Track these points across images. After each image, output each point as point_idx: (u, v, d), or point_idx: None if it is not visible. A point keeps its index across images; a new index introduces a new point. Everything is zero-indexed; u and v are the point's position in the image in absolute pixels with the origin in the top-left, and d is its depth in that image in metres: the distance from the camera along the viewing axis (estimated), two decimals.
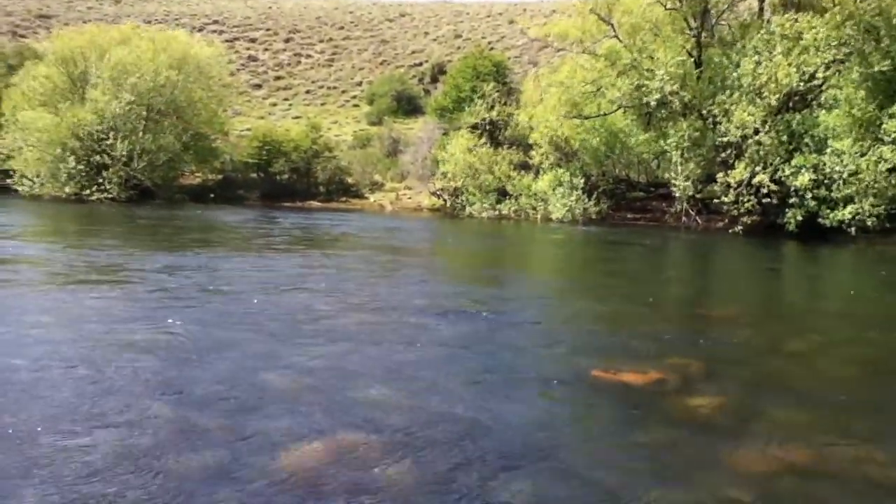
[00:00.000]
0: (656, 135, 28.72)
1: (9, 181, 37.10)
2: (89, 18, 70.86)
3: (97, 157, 35.77)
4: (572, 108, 29.89)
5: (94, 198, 34.85)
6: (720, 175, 25.27)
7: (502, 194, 32.90)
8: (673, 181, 27.37)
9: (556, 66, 36.64)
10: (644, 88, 26.63)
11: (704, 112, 26.44)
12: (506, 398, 5.87)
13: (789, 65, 23.77)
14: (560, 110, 30.10)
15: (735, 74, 25.49)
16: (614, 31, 28.04)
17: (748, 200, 24.21)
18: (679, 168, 27.01)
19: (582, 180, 30.30)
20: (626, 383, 6.39)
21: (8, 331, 7.49)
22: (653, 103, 26.77)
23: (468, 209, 33.08)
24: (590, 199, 29.94)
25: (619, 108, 29.02)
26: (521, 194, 32.22)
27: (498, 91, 36.91)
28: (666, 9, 27.27)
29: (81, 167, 35.58)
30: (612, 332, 8.58)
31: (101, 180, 35.55)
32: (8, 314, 8.32)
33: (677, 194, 27.47)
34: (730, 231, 25.09)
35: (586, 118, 30.15)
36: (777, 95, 24.15)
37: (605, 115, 29.78)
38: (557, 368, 6.94)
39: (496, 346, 7.67)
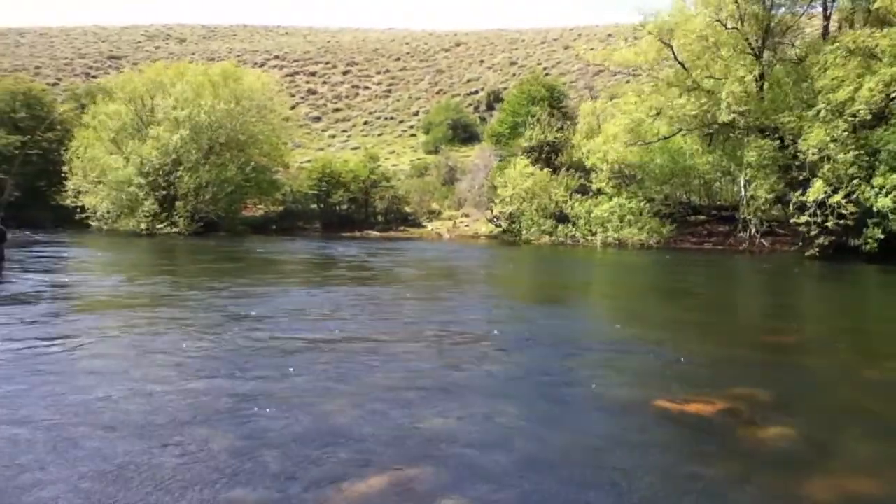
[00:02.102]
0: (720, 155, 28.17)
1: (84, 216, 38.55)
2: (156, 58, 73.52)
3: (164, 192, 36.91)
4: (633, 133, 29.58)
5: (163, 231, 35.91)
6: (797, 195, 24.42)
7: (560, 220, 32.66)
8: (741, 203, 26.70)
9: (612, 91, 36.45)
10: (708, 110, 26.15)
11: (773, 132, 25.76)
12: (566, 428, 5.69)
13: (870, 81, 22.92)
14: (621, 136, 29.83)
15: (807, 93, 24.72)
16: (674, 53, 27.70)
17: (825, 221, 23.31)
18: (744, 190, 26.38)
19: (643, 204, 29.86)
20: (692, 413, 6.13)
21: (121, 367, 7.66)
22: (719, 124, 26.22)
23: (525, 235, 32.91)
24: (651, 224, 29.45)
25: (680, 130, 28.58)
26: (579, 219, 31.92)
27: (554, 116, 36.84)
28: (727, 29, 26.76)
29: (150, 202, 36.75)
30: (677, 360, 8.29)
31: (168, 214, 36.63)
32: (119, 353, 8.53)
33: (744, 216, 26.78)
34: (806, 254, 24.24)
35: (647, 143, 29.77)
36: (856, 112, 23.29)
37: (665, 138, 29.36)
38: (620, 397, 6.71)
39: (557, 375, 7.48)
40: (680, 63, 27.52)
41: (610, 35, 77.08)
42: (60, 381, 6.75)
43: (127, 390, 6.44)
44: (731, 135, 27.41)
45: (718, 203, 31.71)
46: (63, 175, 39.80)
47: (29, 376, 6.82)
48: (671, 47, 27.58)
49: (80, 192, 39.01)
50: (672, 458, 5.23)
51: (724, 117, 25.53)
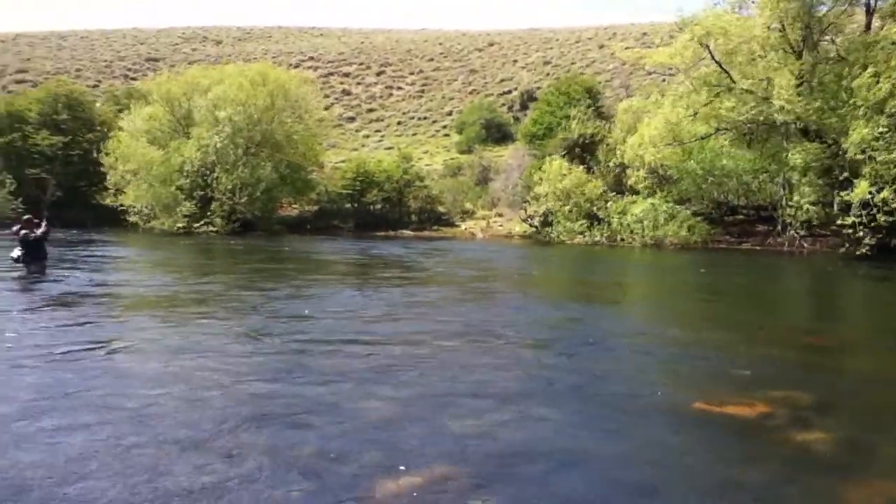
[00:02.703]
0: (760, 156, 27.72)
1: (123, 215, 39.30)
2: (193, 59, 74.72)
3: (202, 192, 37.43)
4: (669, 133, 29.25)
5: (201, 230, 36.43)
6: (843, 195, 23.96)
7: (595, 220, 32.44)
8: (780, 203, 26.25)
9: (648, 90, 36.13)
10: (748, 111, 25.73)
11: (816, 132, 25.28)
12: (604, 430, 5.65)
13: None
14: (657, 136, 29.51)
15: (847, 91, 24.24)
16: (711, 54, 27.29)
17: (872, 221, 22.81)
18: (782, 189, 25.95)
19: (680, 204, 29.54)
20: (732, 416, 6.04)
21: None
22: (759, 123, 25.77)
23: (559, 235, 32.73)
24: (688, 223, 29.12)
25: (718, 131, 28.20)
26: (614, 219, 31.68)
27: (588, 115, 36.58)
28: (768, 29, 26.24)
29: (188, 202, 37.31)
30: (717, 362, 8.18)
31: (207, 214, 37.15)
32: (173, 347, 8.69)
33: (784, 216, 26.34)
34: (856, 253, 23.77)
35: (684, 144, 29.42)
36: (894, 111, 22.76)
37: (702, 138, 28.99)
38: (658, 399, 6.64)
39: (594, 376, 7.42)
40: (718, 63, 27.12)
41: (645, 34, 76.43)
42: (109, 383, 6.87)
43: (174, 390, 6.54)
44: (772, 135, 26.93)
45: (757, 203, 31.21)
46: (103, 175, 40.57)
47: (79, 377, 6.94)
48: (708, 48, 27.18)
49: (119, 192, 39.73)
50: (711, 461, 5.16)
51: (780, 117, 24.99)
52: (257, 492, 4.32)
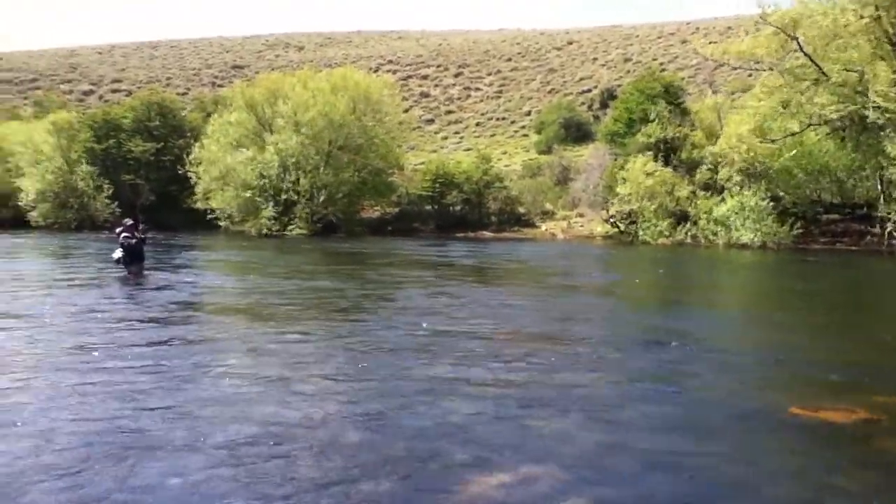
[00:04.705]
0: (852, 152, 26.57)
1: (213, 217, 40.75)
2: (277, 66, 76.72)
3: (285, 195, 38.42)
4: (759, 128, 28.35)
5: (285, 232, 37.42)
6: None
7: (680, 219, 31.70)
8: (879, 201, 25.05)
9: (734, 85, 35.13)
10: (842, 105, 24.69)
11: None
12: (695, 433, 5.53)
13: None
14: (746, 132, 28.65)
15: None
16: (799, 45, 26.31)
17: None
18: (880, 186, 24.79)
19: (769, 203, 28.58)
20: (829, 422, 5.84)
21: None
22: (851, 118, 24.70)
23: (643, 235, 32.13)
24: (779, 223, 28.16)
25: (809, 126, 27.16)
26: (700, 219, 30.87)
27: (671, 112, 35.76)
28: (861, 17, 25.08)
29: (272, 204, 38.37)
30: (812, 366, 7.90)
31: (291, 216, 38.14)
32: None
33: (883, 215, 25.13)
34: None
35: (773, 141, 28.46)
36: None
37: (792, 134, 27.98)
38: (752, 404, 6.45)
39: (685, 379, 7.26)
40: (807, 55, 26.13)
41: (729, 28, 74.22)
42: (211, 385, 7.15)
43: (267, 389, 6.76)
44: (869, 130, 25.75)
45: (853, 201, 29.87)
46: (192, 179, 42.12)
47: (183, 379, 7.23)
48: (796, 39, 26.21)
49: (208, 196, 41.18)
50: (807, 467, 5.00)
51: (873, 116, 23.92)
52: (349, 488, 4.42)
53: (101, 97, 78.80)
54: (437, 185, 41.48)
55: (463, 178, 41.59)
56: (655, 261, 24.63)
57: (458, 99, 75.02)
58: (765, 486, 4.59)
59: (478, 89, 76.34)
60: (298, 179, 38.28)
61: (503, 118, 69.05)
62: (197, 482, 4.43)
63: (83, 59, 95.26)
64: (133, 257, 15.56)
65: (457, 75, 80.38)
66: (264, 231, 38.10)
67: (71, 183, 45.28)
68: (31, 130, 49.12)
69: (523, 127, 65.44)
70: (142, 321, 10.16)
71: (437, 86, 78.68)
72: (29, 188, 45.75)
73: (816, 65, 25.80)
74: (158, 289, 14.02)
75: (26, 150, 46.86)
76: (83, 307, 11.42)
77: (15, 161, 47.80)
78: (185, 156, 43.77)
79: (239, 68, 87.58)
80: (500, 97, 73.77)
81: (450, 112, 72.32)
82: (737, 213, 29.09)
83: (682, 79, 55.29)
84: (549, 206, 42.07)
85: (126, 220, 16.31)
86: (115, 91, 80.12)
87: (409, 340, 8.90)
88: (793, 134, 27.95)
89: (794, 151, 28.54)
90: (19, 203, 46.76)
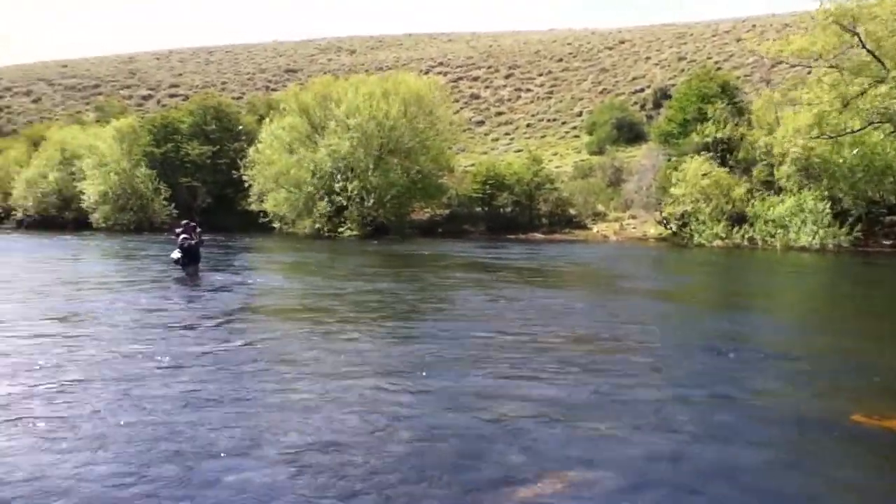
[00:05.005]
0: None
1: (266, 220, 41.45)
2: (329, 69, 77.61)
3: (337, 197, 38.87)
4: (816, 126, 27.62)
5: (337, 234, 37.87)
6: None
7: (736, 221, 31.05)
8: None
9: (791, 83, 34.26)
10: None
11: None
12: (752, 440, 5.41)
13: None
14: (804, 130, 27.92)
15: None
16: (860, 41, 25.56)
17: None
18: None
19: (829, 203, 27.81)
20: (893, 431, 5.70)
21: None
22: None
23: (697, 238, 31.58)
24: (839, 225, 27.39)
25: (871, 123, 26.36)
26: (757, 220, 30.19)
27: (727, 112, 35.03)
28: None
29: (323, 204, 38.85)
30: (875, 373, 7.65)
31: (342, 218, 38.59)
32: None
33: None
34: None
35: (832, 137, 27.69)
36: None
37: (853, 132, 27.20)
38: (812, 411, 6.30)
39: (742, 385, 7.10)
40: (868, 51, 25.38)
41: (787, 25, 72.43)
42: (266, 386, 7.29)
43: (326, 393, 6.87)
44: None
45: None
46: (247, 182, 42.88)
47: (242, 383, 7.40)
48: (857, 34, 25.47)
49: (262, 199, 41.88)
50: (869, 479, 4.87)
51: None
52: (398, 487, 4.47)
53: (158, 101, 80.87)
54: (488, 186, 41.41)
55: (513, 180, 41.44)
56: (712, 264, 24.20)
57: (509, 100, 74.80)
58: (824, 498, 4.50)
59: (528, 90, 76.00)
60: (349, 182, 38.67)
61: (554, 119, 68.61)
62: (254, 487, 4.52)
63: (142, 65, 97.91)
64: (190, 258, 15.96)
65: (507, 76, 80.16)
66: (316, 232, 38.62)
67: (131, 186, 46.51)
68: (94, 135, 50.69)
69: (574, 128, 64.91)
70: (202, 323, 10.37)
71: (487, 87, 78.58)
72: (91, 191, 47.17)
73: (879, 60, 25.04)
74: (218, 290, 14.33)
75: (90, 154, 48.34)
76: (144, 308, 11.75)
77: (78, 165, 49.35)
78: (239, 159, 44.58)
79: (292, 72, 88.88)
80: (550, 98, 73.32)
81: (500, 113, 72.16)
82: (795, 214, 28.36)
83: (738, 77, 54.20)
84: (600, 208, 41.66)
85: (185, 221, 16.73)
86: (172, 96, 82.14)
87: (467, 345, 8.87)
88: (853, 131, 27.16)
89: (856, 150, 27.71)
90: (82, 205, 48.29)
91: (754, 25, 79.66)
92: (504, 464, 4.89)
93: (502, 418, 5.89)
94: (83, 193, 47.77)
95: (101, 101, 76.64)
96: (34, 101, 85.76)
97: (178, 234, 16.06)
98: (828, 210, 27.57)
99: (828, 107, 26.93)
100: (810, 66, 29.87)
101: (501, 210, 41.48)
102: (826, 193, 28.12)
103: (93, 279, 16.93)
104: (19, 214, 52.69)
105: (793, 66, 42.09)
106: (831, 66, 27.41)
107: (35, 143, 54.49)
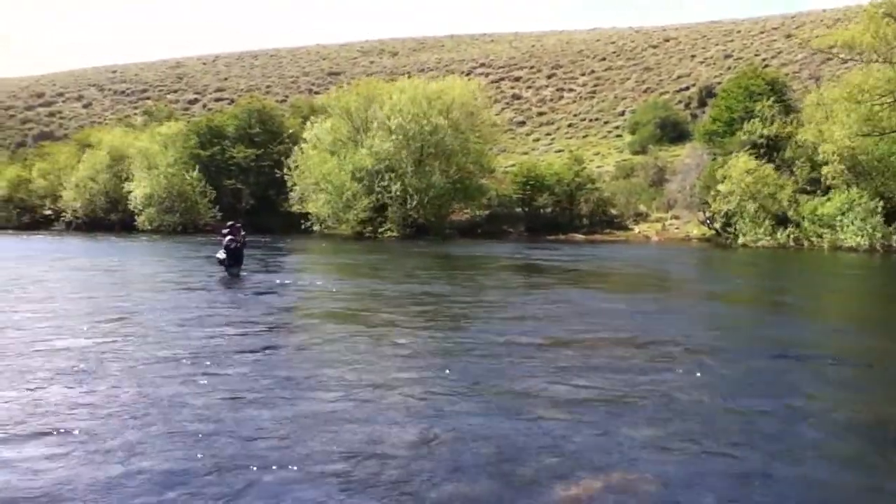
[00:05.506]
0: None
1: (308, 223, 41.81)
2: (371, 72, 78.05)
3: (377, 198, 39.08)
4: (866, 122, 26.90)
5: (377, 235, 38.09)
6: None
7: (781, 221, 30.40)
8: None
9: (841, 79, 33.43)
10: None
11: None
12: (797, 448, 5.22)
13: None
14: (852, 126, 27.20)
15: None
16: None
17: None
18: None
19: (880, 202, 27.07)
20: None
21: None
22: None
23: (741, 238, 30.98)
24: (890, 224, 26.65)
25: None
26: (804, 220, 29.50)
27: (774, 110, 34.32)
28: None
29: (363, 205, 39.10)
30: None
31: (382, 219, 38.81)
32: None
33: None
34: None
35: (882, 134, 26.93)
36: None
37: None
38: (862, 416, 6.10)
39: (790, 389, 6.93)
40: None
41: (838, 20, 70.80)
42: (303, 387, 7.33)
43: (369, 397, 6.88)
44: None
45: None
46: (289, 184, 43.32)
47: (285, 387, 7.44)
48: None
49: (303, 200, 42.27)
50: None
51: None
52: (438, 487, 4.45)
53: (204, 105, 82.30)
54: (528, 187, 41.23)
55: (554, 181, 41.19)
56: (760, 265, 23.72)
57: (551, 100, 74.42)
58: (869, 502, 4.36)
59: (571, 90, 75.53)
60: (391, 183, 38.86)
61: (596, 119, 68.07)
62: (292, 493, 4.51)
63: (188, 70, 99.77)
64: (234, 259, 16.22)
65: (550, 76, 79.76)
66: (357, 233, 38.88)
67: (177, 188, 47.36)
68: (142, 138, 51.77)
69: (617, 127, 64.32)
70: (246, 326, 10.39)
71: (529, 87, 78.30)
72: (138, 193, 48.15)
73: None
74: (262, 292, 14.43)
75: (138, 157, 49.37)
76: (190, 309, 11.91)
77: (126, 167, 50.43)
78: (283, 161, 45.08)
79: (335, 75, 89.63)
80: (593, 97, 72.75)
81: (541, 114, 71.84)
82: (844, 213, 27.65)
83: (787, 74, 53.16)
84: (642, 208, 41.19)
85: (231, 222, 17.01)
86: (218, 100, 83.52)
87: (515, 350, 8.71)
88: None
89: None
90: (128, 207, 49.32)
91: (804, 22, 78.02)
92: (541, 465, 4.81)
93: (537, 420, 5.82)
94: (130, 195, 48.75)
95: (149, 105, 78.32)
96: (85, 107, 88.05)
97: (223, 235, 16.35)
98: (879, 207, 26.82)
99: (879, 103, 26.21)
100: (861, 61, 29.09)
101: (541, 211, 41.26)
102: (876, 193, 27.35)
103: (140, 280, 17.28)
104: (68, 216, 53.99)
105: (843, 61, 41.08)
106: (884, 61, 26.70)
107: (84, 147, 55.82)
